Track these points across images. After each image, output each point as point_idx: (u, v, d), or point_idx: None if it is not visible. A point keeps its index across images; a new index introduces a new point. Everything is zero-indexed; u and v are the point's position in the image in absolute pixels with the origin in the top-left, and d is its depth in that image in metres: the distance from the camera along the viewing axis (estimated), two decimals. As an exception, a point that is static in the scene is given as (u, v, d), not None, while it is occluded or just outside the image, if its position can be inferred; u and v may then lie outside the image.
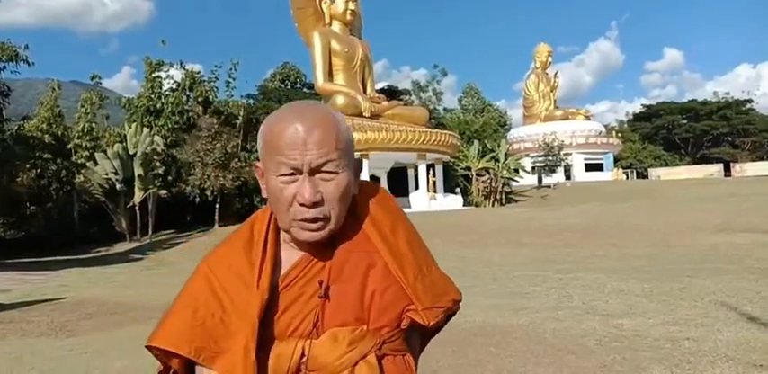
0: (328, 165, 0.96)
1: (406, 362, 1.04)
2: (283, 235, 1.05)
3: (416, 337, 1.13)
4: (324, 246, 1.03)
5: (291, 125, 0.95)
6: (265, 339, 0.98)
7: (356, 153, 1.17)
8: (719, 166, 48.41)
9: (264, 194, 1.02)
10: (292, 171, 0.96)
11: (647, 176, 50.94)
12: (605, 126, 59.37)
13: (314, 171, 0.96)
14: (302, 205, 0.96)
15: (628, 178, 48.57)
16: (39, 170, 29.29)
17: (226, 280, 1.01)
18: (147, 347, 1.00)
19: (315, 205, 0.96)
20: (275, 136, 0.96)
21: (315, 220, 0.97)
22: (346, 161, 0.98)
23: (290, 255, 1.04)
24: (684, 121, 62.76)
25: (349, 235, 1.04)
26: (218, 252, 1.07)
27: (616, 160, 51.69)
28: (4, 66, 21.88)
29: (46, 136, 30.37)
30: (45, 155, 29.72)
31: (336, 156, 0.96)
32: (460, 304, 1.11)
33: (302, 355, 0.97)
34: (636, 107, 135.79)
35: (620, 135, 54.36)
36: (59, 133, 31.46)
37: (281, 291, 1.01)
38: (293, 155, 0.94)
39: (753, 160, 51.67)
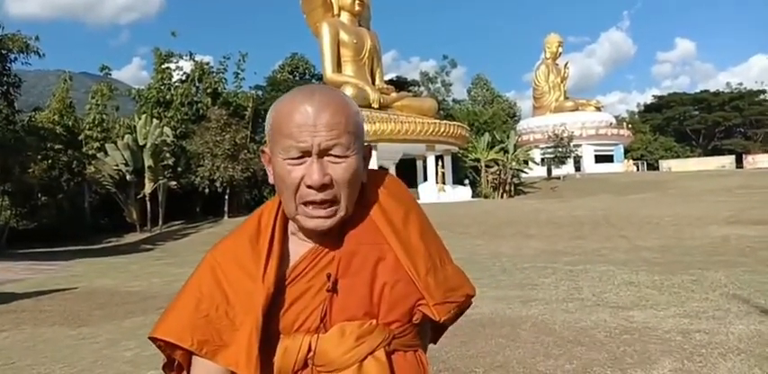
0: (337, 148, 0.93)
1: (418, 358, 1.01)
2: (291, 226, 1.02)
3: (428, 330, 1.10)
4: (332, 238, 0.99)
5: (301, 107, 0.93)
6: (271, 334, 0.95)
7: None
8: (731, 158, 48.00)
9: (271, 181, 1.00)
10: (301, 153, 0.93)
11: (657, 168, 50.58)
12: (616, 117, 58.84)
13: (323, 153, 0.93)
14: (309, 187, 0.93)
15: (638, 170, 48.24)
16: (50, 161, 29.42)
17: (231, 273, 0.98)
18: (150, 338, 0.98)
19: (323, 187, 0.93)
20: (284, 118, 0.94)
21: (323, 203, 0.94)
22: (356, 145, 0.96)
23: (298, 248, 1.01)
24: (696, 112, 62.15)
25: (358, 227, 1.00)
26: (225, 243, 1.04)
27: (626, 151, 51.31)
28: (16, 58, 21.89)
29: (57, 127, 30.48)
30: (56, 147, 29.85)
31: (346, 140, 0.93)
32: (473, 299, 1.07)
33: (309, 350, 0.94)
34: (647, 98, 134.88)
35: (630, 126, 53.84)
36: (70, 124, 31.57)
37: (288, 285, 0.97)
38: (303, 138, 0.92)
39: (765, 152, 51.06)
